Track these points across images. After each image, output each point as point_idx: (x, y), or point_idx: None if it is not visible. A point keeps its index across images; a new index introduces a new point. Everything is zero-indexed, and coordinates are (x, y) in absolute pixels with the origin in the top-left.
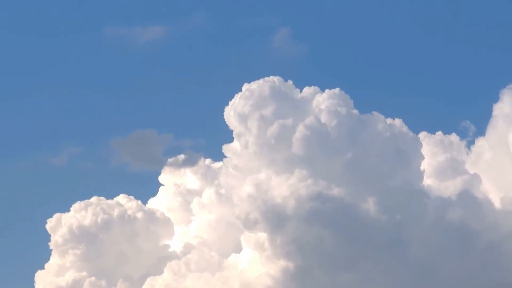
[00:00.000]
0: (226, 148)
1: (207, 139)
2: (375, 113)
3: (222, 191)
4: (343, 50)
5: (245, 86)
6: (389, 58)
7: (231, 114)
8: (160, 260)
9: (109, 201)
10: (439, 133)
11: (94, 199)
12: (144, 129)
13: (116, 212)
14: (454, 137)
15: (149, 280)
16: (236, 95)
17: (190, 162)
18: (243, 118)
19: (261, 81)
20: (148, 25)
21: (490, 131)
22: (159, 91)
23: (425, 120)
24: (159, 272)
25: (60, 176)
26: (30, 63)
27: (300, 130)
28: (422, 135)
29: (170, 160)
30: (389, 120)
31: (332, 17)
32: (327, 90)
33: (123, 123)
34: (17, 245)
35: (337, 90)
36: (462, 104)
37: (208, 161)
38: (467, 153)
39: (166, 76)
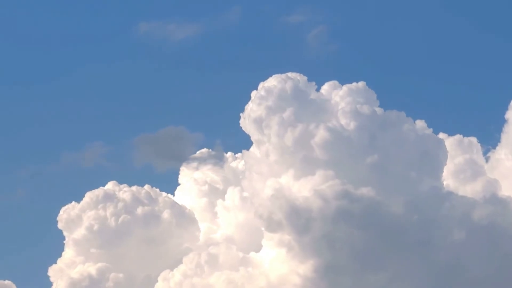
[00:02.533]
0: (247, 154)
1: (237, 139)
2: (401, 113)
3: (245, 194)
4: (375, 51)
5: (260, 85)
6: (414, 61)
7: (246, 121)
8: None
9: (133, 188)
10: (459, 135)
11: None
12: (174, 127)
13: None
14: (472, 140)
15: (164, 274)
16: (251, 96)
17: (213, 159)
18: (260, 123)
19: (283, 76)
20: (183, 22)
21: (504, 137)
22: (190, 89)
23: (446, 122)
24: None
25: (86, 177)
26: (58, 60)
27: (322, 133)
28: (441, 136)
29: (192, 156)
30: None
31: (369, 17)
32: (349, 85)
33: (153, 120)
34: (37, 242)
35: (361, 84)
36: (489, 110)
37: (230, 158)
38: (486, 160)
39: (199, 74)
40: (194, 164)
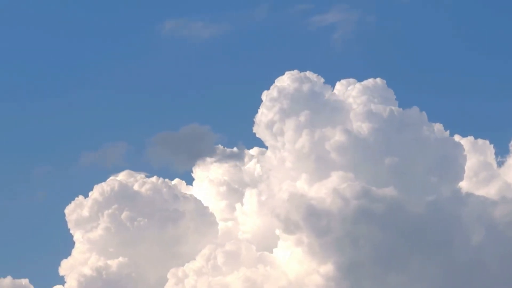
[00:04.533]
0: (263, 159)
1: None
2: (422, 114)
3: (263, 198)
4: (398, 55)
5: (273, 85)
6: (438, 65)
7: (260, 127)
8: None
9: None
10: (471, 137)
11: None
12: (197, 127)
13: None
14: (485, 142)
15: (173, 270)
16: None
17: (231, 158)
18: (274, 129)
19: (301, 74)
20: (209, 19)
21: None
22: (215, 89)
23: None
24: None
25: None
26: (79, 56)
27: (339, 135)
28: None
29: (208, 155)
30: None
31: (396, 20)
32: (366, 82)
33: (176, 118)
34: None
35: (379, 79)
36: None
37: (247, 158)
38: (500, 164)
39: (225, 73)
40: (210, 162)
